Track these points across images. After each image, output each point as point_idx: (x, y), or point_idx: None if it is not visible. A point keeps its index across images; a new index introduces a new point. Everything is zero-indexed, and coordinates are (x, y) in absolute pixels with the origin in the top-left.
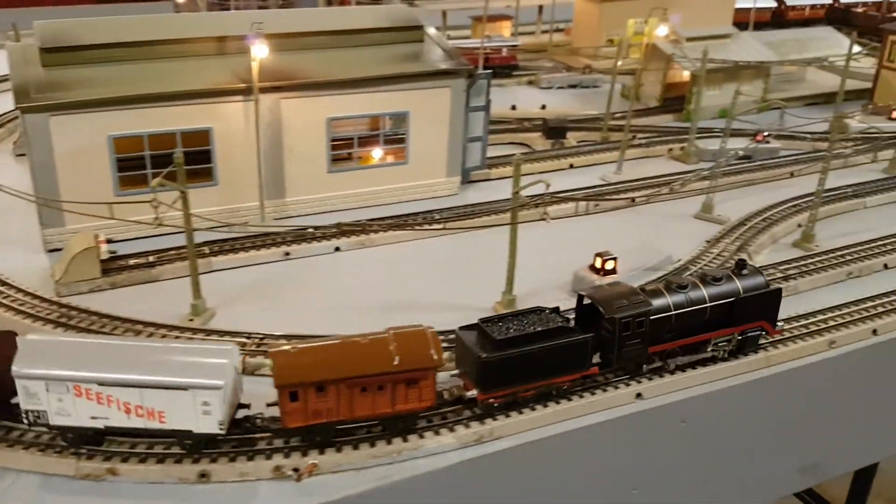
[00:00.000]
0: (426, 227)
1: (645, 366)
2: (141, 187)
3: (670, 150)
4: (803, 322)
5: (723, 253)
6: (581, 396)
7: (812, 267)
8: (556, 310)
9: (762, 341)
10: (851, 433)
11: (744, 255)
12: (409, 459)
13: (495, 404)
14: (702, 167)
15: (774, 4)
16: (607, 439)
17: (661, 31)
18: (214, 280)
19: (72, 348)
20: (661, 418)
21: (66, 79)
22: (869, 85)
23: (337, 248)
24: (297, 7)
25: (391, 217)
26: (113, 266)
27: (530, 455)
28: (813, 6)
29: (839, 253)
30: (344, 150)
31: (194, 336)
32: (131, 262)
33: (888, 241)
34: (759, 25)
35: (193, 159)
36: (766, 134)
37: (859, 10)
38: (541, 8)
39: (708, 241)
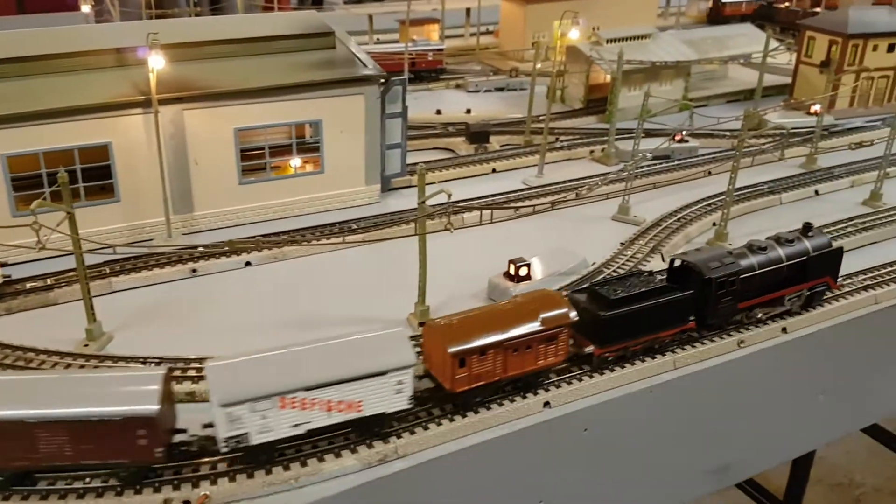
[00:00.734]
0: (323, 241)
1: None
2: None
3: (592, 151)
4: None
5: (636, 255)
6: (488, 408)
7: None
8: (651, 273)
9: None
10: (762, 433)
11: (656, 256)
12: (308, 485)
13: (609, 358)
14: (611, 170)
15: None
16: (513, 451)
17: (573, 34)
18: (116, 301)
19: (257, 365)
20: (565, 427)
21: None
22: (790, 80)
23: (248, 263)
24: (228, 13)
25: (308, 228)
26: (8, 291)
27: (436, 472)
28: (749, 2)
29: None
30: (256, 160)
31: (86, 364)
32: (28, 285)
33: None
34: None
35: (94, 175)
36: (683, 133)
37: (782, 5)
38: (468, 10)
39: (623, 243)
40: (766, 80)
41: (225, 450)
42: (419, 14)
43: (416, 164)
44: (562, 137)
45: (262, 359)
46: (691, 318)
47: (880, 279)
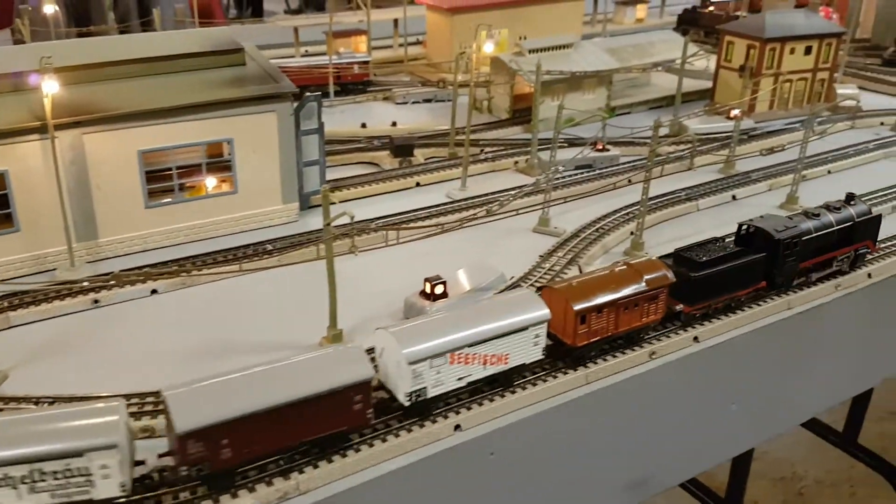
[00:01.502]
0: (214, 270)
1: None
2: None
3: (516, 162)
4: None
5: (554, 267)
6: (396, 436)
7: None
8: (724, 238)
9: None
10: (677, 444)
11: (575, 267)
12: None
13: (697, 315)
14: (529, 182)
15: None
16: (424, 479)
17: (488, 47)
18: (13, 336)
19: (429, 326)
20: (472, 452)
21: None
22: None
23: (154, 291)
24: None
25: (223, 250)
26: None
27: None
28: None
29: None
30: (165, 182)
31: None
32: None
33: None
34: None
35: None
36: (602, 142)
37: (706, 10)
38: (396, 21)
39: (541, 256)
40: (689, 85)
41: (408, 403)
42: (346, 26)
43: (336, 180)
44: (487, 149)
45: (433, 321)
46: (763, 278)
47: None
